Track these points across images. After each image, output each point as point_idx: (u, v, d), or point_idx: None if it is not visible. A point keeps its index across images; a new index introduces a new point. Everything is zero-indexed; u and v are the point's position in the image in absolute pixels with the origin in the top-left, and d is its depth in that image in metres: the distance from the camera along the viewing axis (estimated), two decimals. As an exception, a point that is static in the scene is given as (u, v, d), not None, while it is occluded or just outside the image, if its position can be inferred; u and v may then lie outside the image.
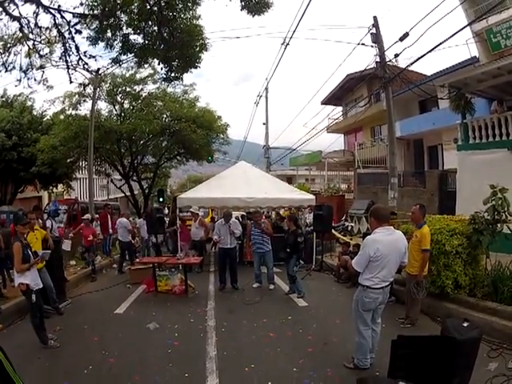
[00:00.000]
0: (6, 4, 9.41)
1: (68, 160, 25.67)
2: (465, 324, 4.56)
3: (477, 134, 14.38)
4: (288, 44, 19.17)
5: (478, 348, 4.55)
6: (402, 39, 13.29)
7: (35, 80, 11.43)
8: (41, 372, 5.54)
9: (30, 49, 10.75)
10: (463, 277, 7.59)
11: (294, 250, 10.19)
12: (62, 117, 25.56)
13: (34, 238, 7.90)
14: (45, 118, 27.98)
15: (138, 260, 13.28)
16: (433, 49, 12.31)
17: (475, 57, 17.18)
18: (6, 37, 10.61)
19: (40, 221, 10.97)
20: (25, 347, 6.34)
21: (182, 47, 10.59)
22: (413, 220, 7.71)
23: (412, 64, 14.25)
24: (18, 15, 9.64)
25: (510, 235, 7.75)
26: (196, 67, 11.46)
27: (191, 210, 14.22)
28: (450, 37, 11.34)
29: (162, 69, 11.52)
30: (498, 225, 7.68)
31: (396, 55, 14.19)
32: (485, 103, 15.95)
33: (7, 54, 10.81)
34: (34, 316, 6.49)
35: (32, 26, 9.93)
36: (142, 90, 26.73)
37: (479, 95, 15.45)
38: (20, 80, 11.23)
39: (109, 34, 10.51)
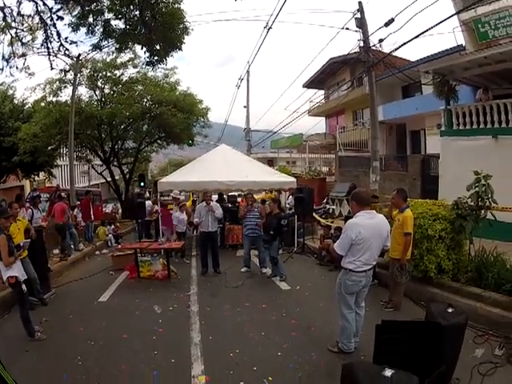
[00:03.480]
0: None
1: (49, 147, 25.47)
2: (449, 309, 4.58)
3: (461, 120, 14.41)
4: (271, 27, 19.07)
5: (463, 334, 4.57)
6: (387, 25, 13.23)
7: (17, 68, 11.24)
8: (29, 365, 5.45)
9: (12, 37, 10.55)
10: (446, 261, 7.63)
11: (278, 233, 10.20)
12: (42, 104, 25.29)
13: (17, 229, 7.78)
14: (26, 106, 27.64)
15: (119, 246, 13.19)
16: (418, 35, 12.25)
17: (461, 45, 17.16)
18: (-11, 27, 10.42)
19: (24, 210, 10.85)
20: (12, 341, 6.27)
21: (164, 30, 10.47)
22: (394, 205, 7.71)
23: (397, 49, 14.17)
24: (2, 5, 9.46)
25: (494, 222, 7.82)
26: (179, 49, 11.32)
27: (172, 194, 14.13)
28: (437, 24, 11.29)
29: (144, 53, 11.35)
30: (482, 211, 7.72)
31: (380, 40, 14.13)
32: (469, 91, 16.01)
33: (-10, 44, 10.63)
34: (23, 307, 6.42)
35: (15, 14, 9.76)
36: (122, 74, 26.60)
37: (464, 82, 15.51)
38: (2, 69, 11.05)
39: (90, 20, 10.36)
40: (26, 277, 6.73)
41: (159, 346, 6.06)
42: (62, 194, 16.93)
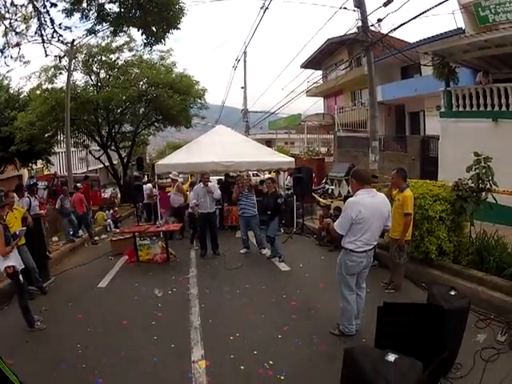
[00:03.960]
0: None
1: (46, 135, 25.20)
2: (452, 292, 4.53)
3: (460, 102, 14.35)
4: (267, 8, 18.91)
5: (466, 318, 4.53)
6: (385, 5, 13.11)
7: (12, 57, 11.26)
8: (29, 356, 5.42)
9: (6, 28, 10.50)
10: (447, 243, 7.57)
11: (276, 212, 10.16)
12: (38, 92, 25.09)
13: (14, 218, 7.74)
14: (22, 95, 27.37)
15: (118, 230, 13.15)
16: (417, 16, 12.20)
17: (461, 28, 17.02)
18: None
19: (23, 199, 10.76)
20: (12, 332, 6.22)
21: (159, 12, 10.38)
22: (394, 185, 7.62)
23: (396, 29, 14.06)
24: None
25: (495, 205, 7.75)
26: (176, 28, 11.21)
27: (170, 176, 14.05)
28: (435, 6, 11.27)
29: (142, 34, 11.24)
30: (483, 193, 7.65)
31: (379, 20, 13.99)
32: (469, 73, 15.88)
33: (-16, 36, 10.60)
34: (22, 297, 6.35)
35: (8, 5, 9.69)
36: (118, 58, 26.24)
37: (463, 65, 15.41)
38: None
39: (84, 5, 10.32)
40: (23, 266, 6.66)
41: (159, 330, 6.05)
42: (78, 184, 16.81)
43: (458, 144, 12.99)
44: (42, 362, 5.25)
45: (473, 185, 7.64)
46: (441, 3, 11.18)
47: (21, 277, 6.36)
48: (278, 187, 14.20)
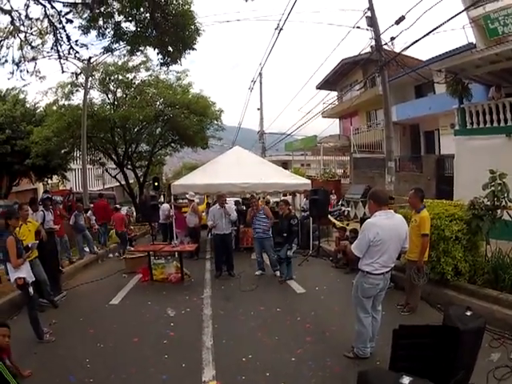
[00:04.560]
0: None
1: (62, 151, 25.58)
2: (468, 313, 4.44)
3: (474, 119, 14.27)
4: (282, 29, 19.07)
5: (481, 338, 4.42)
6: (398, 22, 13.14)
7: (28, 72, 11.43)
8: (37, 367, 5.40)
9: (21, 41, 10.68)
10: (463, 263, 7.46)
11: (289, 233, 10.11)
12: (54, 108, 25.50)
13: (27, 230, 7.83)
14: (38, 110, 27.88)
15: (132, 248, 13.18)
16: (429, 32, 12.18)
17: (472, 43, 16.99)
18: (-3, 31, 10.52)
19: (37, 213, 10.84)
20: (20, 342, 6.17)
21: (176, 32, 10.48)
22: (411, 205, 7.55)
23: (409, 47, 14.09)
24: (10, 9, 9.51)
25: (510, 222, 7.63)
26: (192, 49, 11.30)
27: (187, 196, 14.09)
28: (446, 22, 11.29)
29: (158, 54, 11.36)
30: (498, 211, 7.54)
31: (392, 38, 14.05)
32: (482, 89, 15.81)
33: (-1, 48, 10.72)
34: (32, 309, 6.40)
35: (23, 18, 9.85)
36: (134, 77, 26.71)
37: (476, 81, 15.32)
38: (13, 73, 11.22)
39: (100, 23, 10.44)
40: (33, 278, 6.70)
41: (170, 349, 6.01)
42: (117, 206, 17.03)
43: (473, 162, 12.84)
44: (49, 373, 5.27)
45: (488, 203, 7.55)
46: (451, 18, 11.18)
47: (31, 289, 6.40)
48: (294, 209, 14.12)
